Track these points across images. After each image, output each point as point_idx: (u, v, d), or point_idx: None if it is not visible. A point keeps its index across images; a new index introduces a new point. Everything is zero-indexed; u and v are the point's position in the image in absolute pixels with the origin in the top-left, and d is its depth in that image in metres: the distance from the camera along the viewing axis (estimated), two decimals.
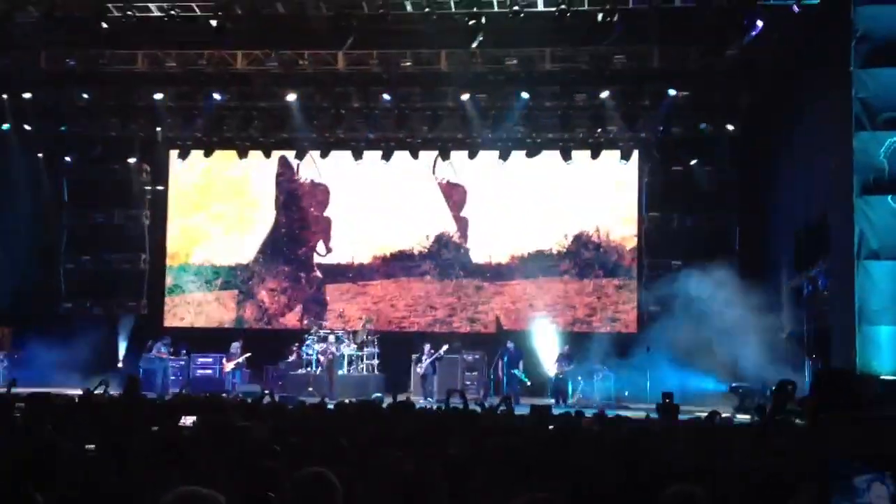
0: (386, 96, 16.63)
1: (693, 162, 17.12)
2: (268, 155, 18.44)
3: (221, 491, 3.49)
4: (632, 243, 17.90)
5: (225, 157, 18.60)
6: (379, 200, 18.43)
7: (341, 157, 18.26)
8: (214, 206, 19.03)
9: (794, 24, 13.14)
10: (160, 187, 19.00)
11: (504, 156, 17.68)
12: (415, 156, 18.00)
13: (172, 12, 14.37)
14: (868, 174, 11.13)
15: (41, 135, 17.74)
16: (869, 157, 11.16)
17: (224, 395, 13.80)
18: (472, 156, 17.87)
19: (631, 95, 16.39)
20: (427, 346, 16.24)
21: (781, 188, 15.13)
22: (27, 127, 17.44)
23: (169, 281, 18.81)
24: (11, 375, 14.08)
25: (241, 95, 17.07)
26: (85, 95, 16.99)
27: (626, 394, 15.23)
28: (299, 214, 18.94)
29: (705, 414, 8.86)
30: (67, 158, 18.56)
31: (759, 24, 13.55)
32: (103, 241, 18.64)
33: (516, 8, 13.77)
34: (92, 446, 5.35)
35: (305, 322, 18.19)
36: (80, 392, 9.57)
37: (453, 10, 14.13)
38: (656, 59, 15.49)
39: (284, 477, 4.26)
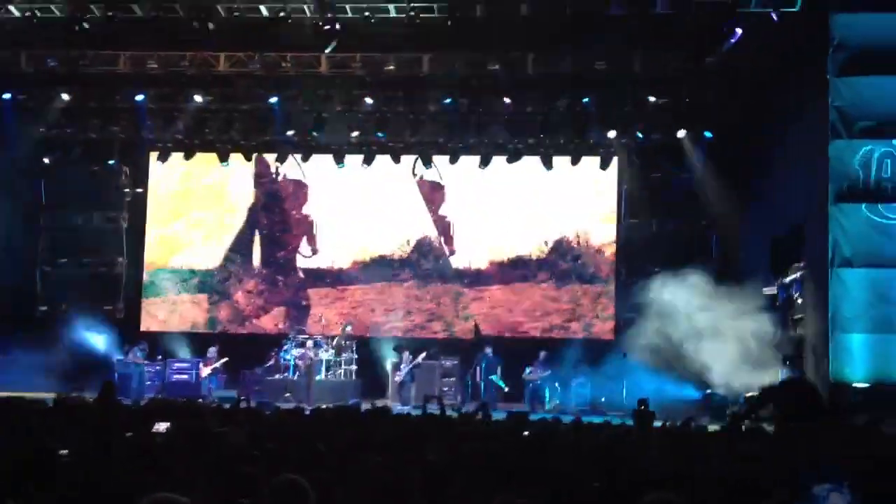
0: (368, 100, 16.66)
1: (672, 168, 17.21)
2: (248, 158, 18.40)
3: (198, 497, 3.51)
4: (611, 250, 17.99)
5: (204, 162, 18.54)
6: (360, 205, 18.42)
7: (323, 160, 18.25)
8: (194, 213, 18.91)
9: (772, 32, 13.25)
10: (139, 190, 18.91)
11: (485, 161, 17.74)
12: (396, 160, 18.02)
13: (155, 13, 14.38)
14: (843, 182, 11.28)
15: (20, 136, 17.62)
16: (844, 165, 11.31)
17: (200, 400, 13.75)
18: (453, 161, 17.90)
19: (611, 101, 16.49)
20: (406, 353, 16.27)
21: (758, 195, 15.27)
22: (6, 127, 17.32)
23: (145, 281, 18.68)
24: None
25: (223, 98, 17.04)
26: (65, 96, 16.91)
27: (603, 400, 15.30)
28: (280, 217, 18.89)
29: (680, 421, 8.93)
30: (46, 160, 18.42)
31: (738, 31, 13.68)
32: (81, 244, 18.49)
33: (367, 14, 13.88)
34: (65, 451, 5.34)
35: (283, 327, 18.15)
36: (54, 396, 9.53)
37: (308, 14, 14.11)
38: (637, 65, 15.61)
39: (262, 483, 4.28)
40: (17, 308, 17.89)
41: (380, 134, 17.43)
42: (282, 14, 14.57)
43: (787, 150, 13.87)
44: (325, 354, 16.52)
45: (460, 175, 18.22)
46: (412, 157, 18.20)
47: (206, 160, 18.50)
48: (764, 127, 14.94)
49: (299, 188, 18.80)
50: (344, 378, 16.55)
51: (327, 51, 15.15)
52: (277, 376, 16.34)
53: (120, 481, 4.53)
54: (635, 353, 15.02)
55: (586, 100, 16.30)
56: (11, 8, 14.49)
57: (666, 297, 14.61)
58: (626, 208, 17.86)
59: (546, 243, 18.18)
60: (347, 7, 14.54)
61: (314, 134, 17.35)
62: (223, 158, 18.28)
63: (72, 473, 4.67)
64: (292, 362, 16.42)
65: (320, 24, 14.60)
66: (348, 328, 17.21)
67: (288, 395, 15.45)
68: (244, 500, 4.39)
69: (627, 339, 15.64)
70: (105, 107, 17.33)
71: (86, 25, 14.58)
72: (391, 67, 15.97)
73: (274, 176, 18.87)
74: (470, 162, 17.89)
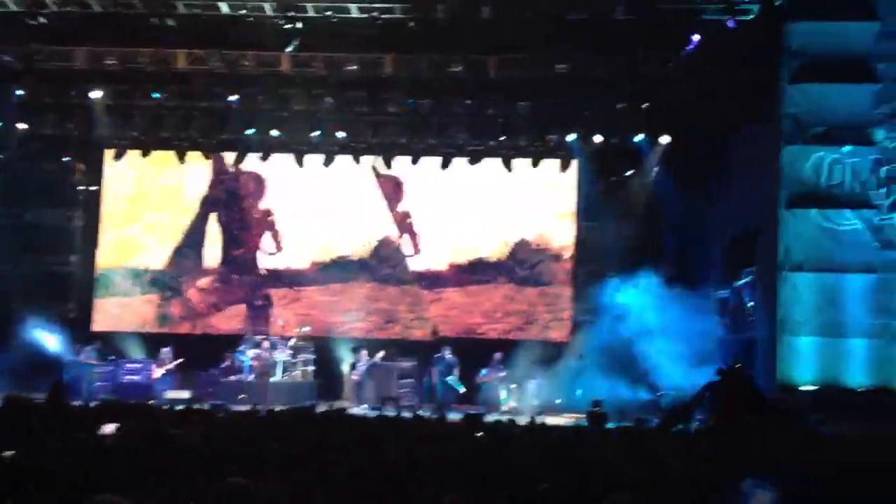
0: (329, 100, 16.62)
1: (629, 172, 17.39)
2: (207, 157, 18.27)
3: (150, 499, 3.49)
4: (569, 252, 18.13)
5: (161, 161, 18.34)
6: (320, 205, 18.36)
7: (282, 159, 18.18)
8: (149, 214, 18.68)
9: (729, 40, 13.45)
10: (94, 188, 18.67)
11: (446, 163, 17.79)
12: (357, 160, 18.01)
13: (112, 9, 14.23)
14: (795, 188, 11.49)
15: None
16: (796, 171, 11.52)
17: (153, 401, 13.60)
18: (414, 162, 17.94)
19: (571, 105, 16.60)
20: (363, 353, 16.26)
21: (714, 200, 15.48)
22: None
23: (98, 280, 18.43)
24: None
25: (182, 95, 16.88)
26: (20, 92, 16.66)
27: (558, 402, 15.40)
28: (239, 215, 18.75)
29: (632, 422, 9.05)
30: None
31: (697, 37, 13.87)
32: (33, 242, 18.16)
33: (329, 13, 13.93)
34: (10, 453, 5.28)
35: (239, 327, 18.01)
36: (3, 396, 9.40)
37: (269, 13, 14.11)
38: (597, 70, 15.75)
39: (214, 486, 4.27)
40: None
41: (341, 134, 17.41)
42: (242, 12, 14.49)
43: (743, 155, 14.08)
44: (282, 355, 16.39)
45: (421, 176, 18.24)
46: (373, 158, 18.18)
47: (162, 159, 18.32)
48: (720, 132, 15.14)
49: (258, 187, 18.69)
50: (300, 379, 16.44)
51: (288, 50, 15.09)
52: (232, 377, 16.19)
53: (68, 483, 4.50)
54: (591, 355, 15.16)
55: (547, 103, 16.40)
56: None
57: (621, 299, 14.78)
58: (584, 211, 18.00)
59: (506, 245, 18.25)
60: (309, 6, 14.50)
61: (274, 133, 17.27)
62: (181, 157, 18.12)
63: (20, 475, 4.62)
64: (248, 363, 16.29)
65: (281, 22, 14.55)
66: (305, 329, 17.14)
67: (243, 396, 15.25)
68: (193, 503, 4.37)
69: (583, 341, 15.78)
70: (60, 103, 17.09)
71: (42, 20, 14.39)
72: (353, 68, 15.94)
73: (233, 175, 18.73)
74: (431, 163, 17.93)
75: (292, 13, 14.37)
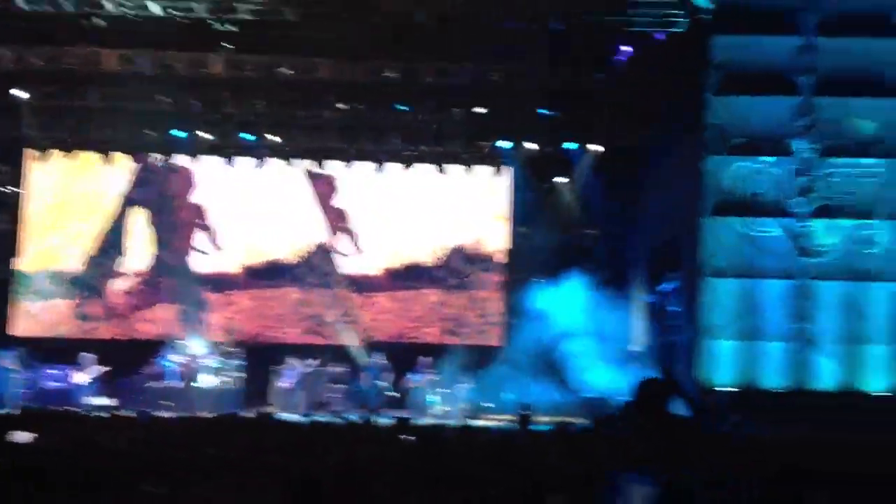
0: (262, 102, 16.53)
1: (561, 179, 17.65)
2: (135, 159, 17.97)
3: None
4: (501, 257, 18.28)
5: (86, 165, 17.92)
6: (251, 208, 18.20)
7: (213, 162, 17.99)
8: (73, 218, 18.16)
9: (658, 52, 13.77)
10: (16, 189, 18.20)
11: (380, 167, 17.84)
12: (289, 164, 17.93)
13: (39, 8, 13.97)
14: (717, 196, 11.81)
15: None
16: (719, 179, 11.84)
17: (75, 408, 13.28)
18: (348, 166, 17.93)
19: (505, 112, 16.80)
20: (293, 360, 16.15)
21: (641, 206, 15.80)
22: None
23: (16, 284, 17.94)
24: None
25: (110, 96, 16.60)
26: None
27: (489, 405, 15.51)
28: (167, 217, 18.43)
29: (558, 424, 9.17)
30: None
31: (626, 48, 14.17)
32: None
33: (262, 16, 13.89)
34: None
35: (166, 331, 17.68)
36: None
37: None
38: (530, 78, 15.98)
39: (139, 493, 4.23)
40: None
41: (273, 137, 17.32)
42: (173, 12, 14.35)
43: (669, 163, 14.41)
44: (209, 361, 16.18)
45: (355, 181, 18.22)
46: (306, 162, 18.12)
47: (88, 161, 17.91)
48: (648, 141, 15.47)
49: (188, 188, 18.42)
50: (228, 385, 16.18)
51: (220, 52, 14.99)
52: (157, 383, 15.85)
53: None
54: (521, 359, 15.31)
55: (481, 110, 16.57)
56: None
57: (551, 303, 14.98)
58: (517, 217, 18.18)
59: (439, 250, 18.31)
60: (242, 7, 14.42)
61: (204, 136, 17.09)
62: (107, 159, 17.79)
63: None
64: (173, 368, 16.03)
65: (213, 23, 14.45)
66: (234, 334, 16.94)
67: (168, 402, 15.02)
68: None
69: (514, 345, 15.93)
70: None
71: None
72: (287, 71, 15.90)
73: (162, 176, 18.42)
74: (365, 168, 17.95)
75: (225, 14, 14.28)
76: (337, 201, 18.42)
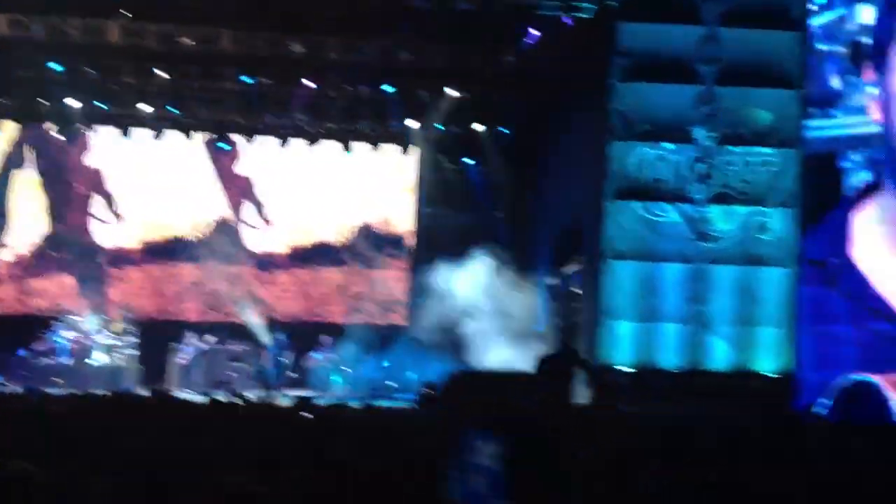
0: (161, 73, 16.02)
1: (468, 161, 17.70)
2: (26, 128, 17.22)
3: None
4: (408, 237, 18.27)
5: None
6: (149, 181, 17.67)
7: (109, 133, 17.36)
8: None
9: (566, 36, 13.87)
10: None
11: (284, 143, 17.55)
12: (189, 137, 17.46)
13: None
14: (620, 181, 12.00)
15: None
16: (622, 165, 12.03)
17: None
18: (250, 141, 17.59)
19: (413, 91, 16.72)
20: (192, 337, 15.83)
21: (546, 189, 15.98)
22: None
23: None
24: None
25: (1, 63, 15.79)
26: None
27: (393, 384, 15.52)
28: (60, 189, 17.72)
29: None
30: None
31: (535, 32, 14.24)
32: None
33: None
34: None
35: (57, 306, 17.04)
36: None
37: None
38: (439, 58, 15.93)
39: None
40: None
41: (172, 109, 16.83)
42: None
43: (574, 147, 14.58)
44: (103, 337, 15.71)
45: (258, 156, 17.90)
46: (207, 135, 17.68)
47: None
48: (555, 125, 15.62)
49: (83, 161, 17.77)
50: (123, 363, 15.79)
51: (118, 19, 14.47)
52: (47, 360, 15.33)
53: None
54: (426, 338, 15.36)
55: (388, 88, 16.44)
56: None
57: (456, 284, 15.05)
58: (424, 197, 18.18)
59: (344, 228, 18.19)
60: None
61: (100, 105, 16.48)
62: None
63: None
64: (65, 345, 15.50)
65: None
66: (130, 310, 16.48)
67: (59, 380, 14.54)
68: None
69: (419, 324, 15.97)
70: None
71: None
72: (188, 41, 15.45)
73: (55, 146, 17.70)
74: (268, 143, 17.62)
75: None
76: (239, 176, 18.06)
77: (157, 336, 16.26)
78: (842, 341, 11.83)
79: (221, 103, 16.87)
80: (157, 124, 17.17)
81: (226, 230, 17.94)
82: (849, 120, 12.65)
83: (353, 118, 17.27)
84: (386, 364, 15.83)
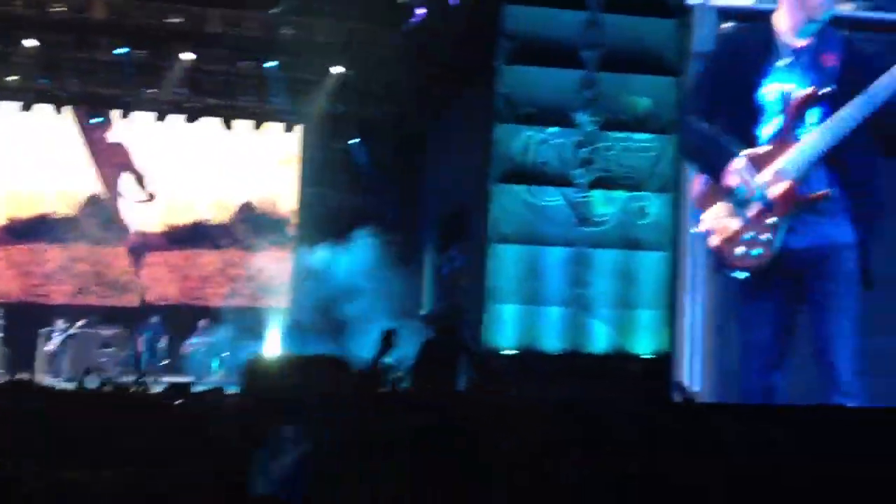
0: (31, 42, 15.16)
1: (354, 140, 17.48)
2: None
3: None
4: (291, 217, 17.97)
5: None
6: (17, 156, 16.78)
7: None
8: None
9: (452, 16, 13.78)
10: None
11: (162, 118, 16.94)
12: (59, 110, 16.63)
13: None
14: (505, 164, 12.03)
15: None
16: (506, 148, 12.05)
17: None
18: (125, 115, 16.90)
19: (296, 68, 16.36)
20: (60, 321, 15.16)
21: (434, 171, 15.93)
22: None
23: None
24: None
25: None
26: None
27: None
28: None
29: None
30: None
31: (421, 11, 14.09)
32: None
33: None
34: None
35: None
36: None
37: None
38: (323, 33, 15.63)
39: None
40: None
41: (43, 80, 15.98)
42: None
43: (460, 129, 14.56)
44: None
45: (134, 131, 17.24)
46: (79, 108, 16.89)
47: None
48: (440, 106, 15.56)
49: None
50: None
51: None
52: None
53: None
54: (306, 321, 15.14)
55: (271, 64, 16.04)
56: None
57: (338, 266, 14.88)
58: (307, 177, 17.88)
59: (225, 208, 17.75)
60: None
61: None
62: None
63: None
64: None
65: None
66: None
67: None
68: None
69: (299, 307, 15.74)
70: None
71: None
72: (60, 9, 14.68)
73: None
74: (145, 118, 16.97)
75: None
76: (113, 152, 17.35)
77: (23, 320, 15.49)
78: None
79: (95, 75, 16.14)
80: (26, 96, 16.32)
81: (98, 209, 17.24)
82: None
83: (234, 94, 16.80)
84: (266, 348, 15.52)
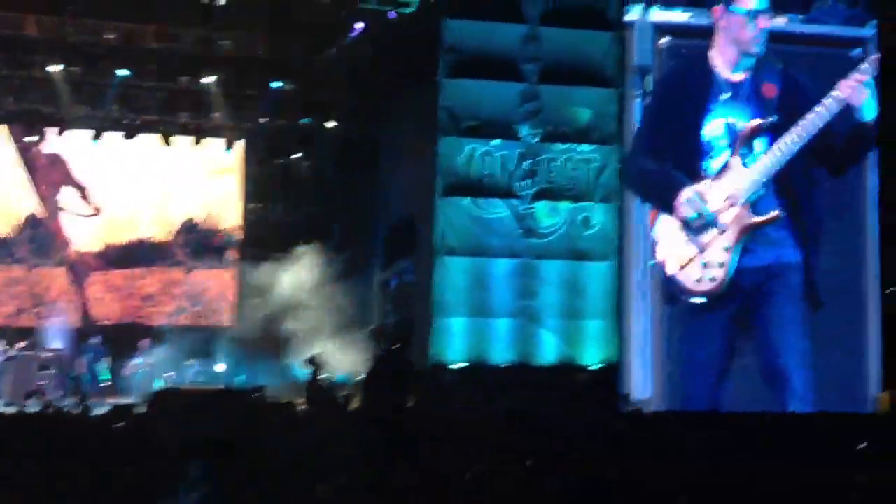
0: None
1: (296, 155, 17.36)
2: None
3: None
4: (235, 234, 17.76)
5: None
6: None
7: None
8: None
9: (391, 30, 13.81)
10: None
11: (98, 135, 16.64)
12: None
13: None
14: (450, 177, 12.10)
15: None
16: (451, 161, 12.13)
17: None
18: (61, 132, 16.55)
19: (236, 83, 16.21)
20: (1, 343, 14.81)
21: (379, 185, 15.91)
22: None
23: None
24: None
25: None
26: None
27: (220, 388, 15.02)
28: None
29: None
30: None
31: (360, 25, 14.10)
32: None
33: None
34: None
35: None
36: None
37: None
38: (262, 48, 15.52)
39: None
40: None
41: None
42: None
43: (405, 143, 14.57)
44: None
45: (71, 149, 16.90)
46: (14, 126, 16.51)
47: None
48: (384, 120, 15.55)
49: None
50: None
51: None
52: None
53: None
54: (252, 339, 15.00)
55: (209, 79, 15.87)
56: None
57: (284, 282, 14.77)
58: (250, 192, 17.71)
59: (168, 226, 17.46)
60: None
61: None
62: None
63: None
64: None
65: None
66: None
67: None
68: None
69: (247, 324, 15.56)
70: None
71: None
72: None
73: None
74: (81, 136, 16.65)
75: None
76: (51, 170, 16.98)
77: None
78: None
79: (30, 92, 15.79)
80: None
81: (36, 227, 16.83)
82: None
83: (172, 110, 16.57)
84: (211, 367, 15.31)
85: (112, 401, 12.42)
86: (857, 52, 11.57)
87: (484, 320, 11.87)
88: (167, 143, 17.00)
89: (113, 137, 16.73)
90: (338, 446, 5.96)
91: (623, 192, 11.57)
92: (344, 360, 13.39)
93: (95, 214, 17.07)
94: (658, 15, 11.94)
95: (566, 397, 10.64)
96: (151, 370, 15.29)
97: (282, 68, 15.83)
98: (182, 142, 17.14)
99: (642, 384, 11.26)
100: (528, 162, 12.28)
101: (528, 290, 12.00)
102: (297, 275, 14.93)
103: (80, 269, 17.02)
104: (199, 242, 17.58)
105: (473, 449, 5.66)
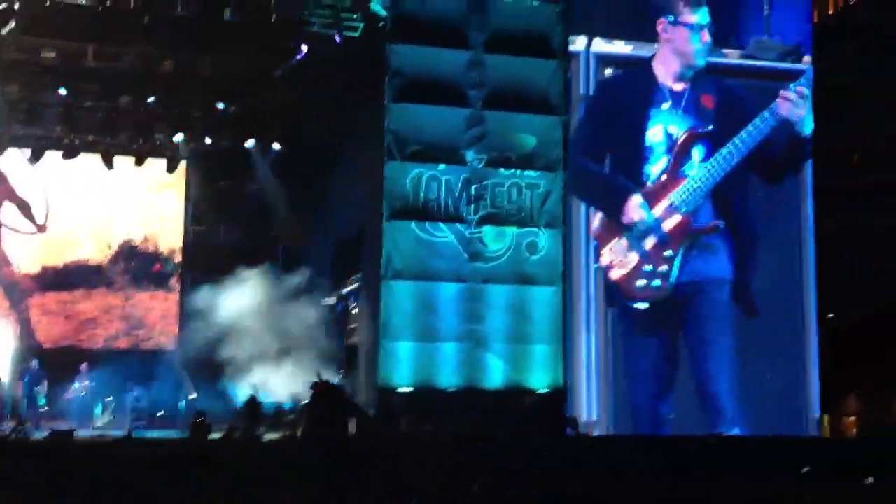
0: None
1: (240, 177, 17.24)
2: None
3: None
4: (176, 256, 17.56)
5: None
6: None
7: None
8: None
9: (337, 54, 13.82)
10: None
11: (37, 155, 16.32)
12: None
13: None
14: (396, 201, 12.14)
15: None
16: (397, 185, 12.18)
17: None
18: (1, 151, 16.22)
19: (179, 104, 16.04)
20: None
21: (324, 208, 15.89)
22: None
23: None
24: None
25: None
26: None
27: (161, 414, 14.81)
28: None
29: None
30: None
31: (304, 48, 14.09)
32: None
33: None
34: None
35: None
36: None
37: None
38: (206, 69, 15.39)
39: None
40: None
41: None
42: None
43: (350, 166, 14.59)
44: None
45: (8, 170, 16.55)
46: None
47: None
48: (329, 142, 15.55)
49: None
50: None
51: None
52: None
53: None
54: (195, 364, 14.81)
55: (151, 99, 15.68)
56: None
57: (227, 306, 14.63)
58: (193, 214, 17.54)
59: (108, 248, 17.21)
60: None
61: None
62: None
63: None
64: None
65: None
66: None
67: None
68: None
69: (189, 349, 15.36)
70: None
71: None
72: None
73: None
74: (20, 156, 16.33)
75: None
76: None
77: None
78: None
79: None
80: None
81: None
82: None
83: (114, 130, 16.31)
84: (153, 392, 15.06)
85: (51, 425, 12.19)
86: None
87: (431, 344, 11.90)
88: (109, 163, 16.75)
89: (53, 157, 16.45)
90: (285, 469, 5.96)
91: (568, 218, 11.70)
92: (289, 384, 13.31)
93: (41, 232, 16.74)
94: (601, 46, 12.13)
95: (513, 421, 10.71)
96: (91, 394, 15.00)
97: (226, 89, 15.71)
98: (124, 162, 16.91)
99: (588, 407, 11.38)
100: (474, 187, 12.39)
101: (474, 315, 12.07)
102: (241, 297, 14.79)
103: (17, 290, 16.65)
104: (140, 264, 17.33)
105: (421, 470, 5.72)
